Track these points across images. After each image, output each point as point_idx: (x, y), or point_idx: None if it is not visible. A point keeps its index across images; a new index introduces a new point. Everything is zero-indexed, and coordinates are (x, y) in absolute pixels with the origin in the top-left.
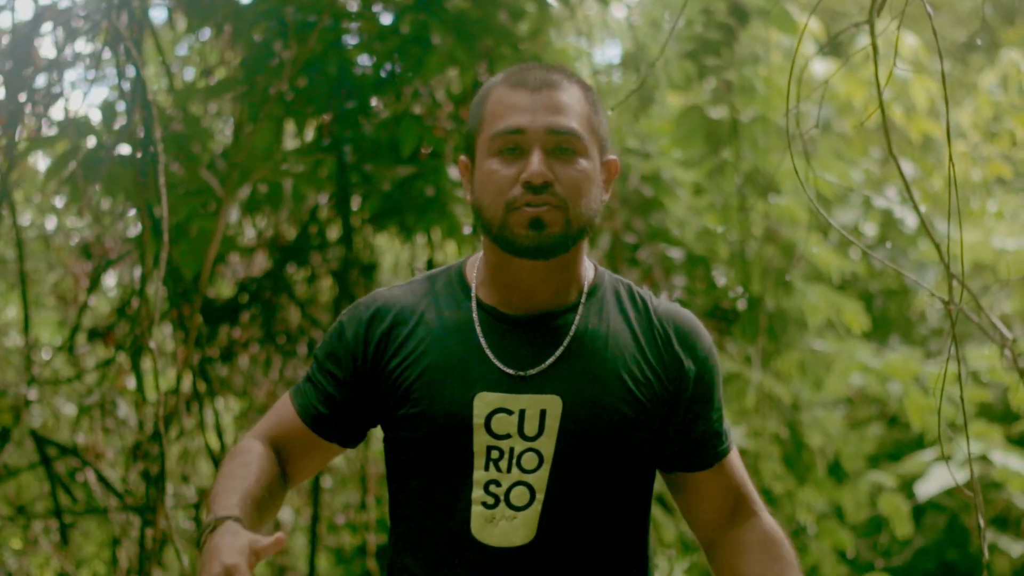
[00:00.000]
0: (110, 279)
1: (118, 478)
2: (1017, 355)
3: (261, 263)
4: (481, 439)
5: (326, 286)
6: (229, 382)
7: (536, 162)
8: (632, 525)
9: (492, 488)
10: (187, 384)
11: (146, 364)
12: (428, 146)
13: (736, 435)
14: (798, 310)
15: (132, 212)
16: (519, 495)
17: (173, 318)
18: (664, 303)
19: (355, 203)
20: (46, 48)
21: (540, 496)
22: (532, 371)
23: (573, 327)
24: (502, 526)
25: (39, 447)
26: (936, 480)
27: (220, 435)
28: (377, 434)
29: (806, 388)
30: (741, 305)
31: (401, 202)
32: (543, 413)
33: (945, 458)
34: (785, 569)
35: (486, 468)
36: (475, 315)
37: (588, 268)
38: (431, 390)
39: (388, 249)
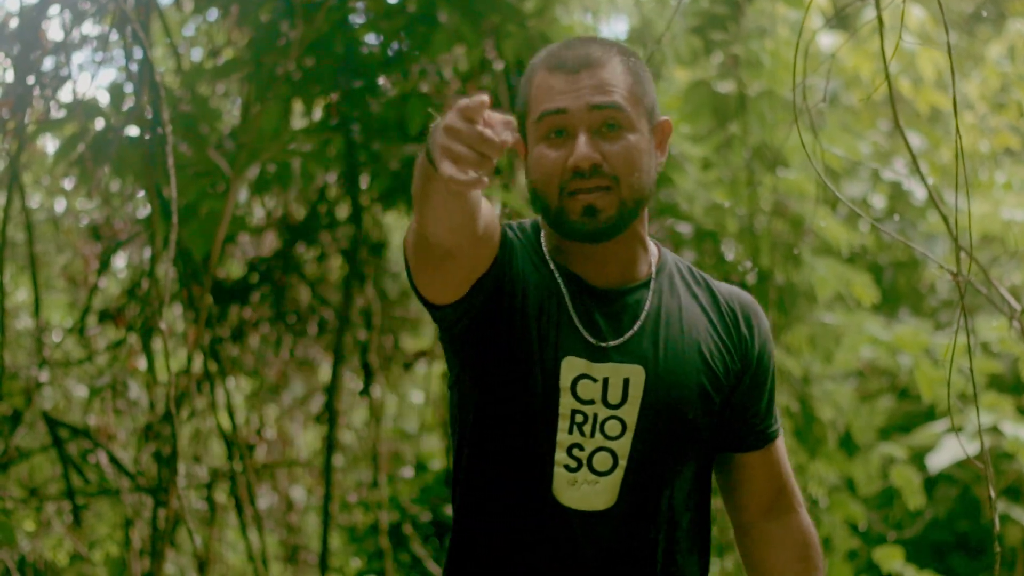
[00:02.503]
0: (120, 260)
1: (130, 459)
2: None
3: (270, 243)
4: (567, 401)
5: (336, 265)
6: (240, 362)
7: (582, 144)
8: (702, 497)
9: (575, 451)
10: (198, 364)
11: (157, 345)
12: (436, 124)
13: None
14: (807, 283)
15: (141, 193)
16: (602, 460)
17: (183, 299)
18: (724, 284)
19: (364, 182)
20: (53, 31)
21: (623, 463)
22: (613, 342)
23: (648, 302)
24: (584, 490)
25: (51, 429)
26: (947, 452)
27: (231, 415)
28: (389, 412)
29: (816, 361)
30: (750, 279)
31: (409, 180)
32: (626, 382)
33: (956, 430)
34: (812, 574)
35: (570, 431)
36: (559, 280)
37: (651, 245)
38: (527, 346)
39: (397, 227)
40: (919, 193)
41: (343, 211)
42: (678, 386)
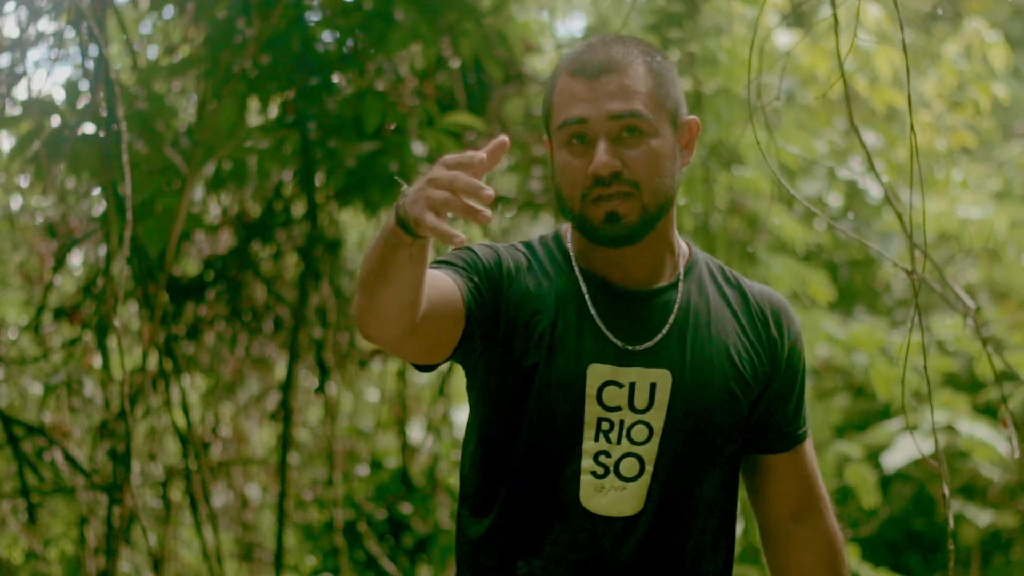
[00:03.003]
0: (75, 258)
1: (85, 457)
2: (981, 324)
3: (226, 240)
4: (592, 410)
5: (291, 263)
6: (195, 359)
7: (601, 152)
8: (728, 499)
9: (602, 459)
10: (153, 362)
11: (112, 342)
12: (392, 122)
13: None
14: (763, 281)
15: (96, 191)
16: (629, 466)
17: (139, 296)
18: (757, 284)
19: (319, 179)
20: (9, 27)
21: (649, 468)
22: (641, 346)
23: (676, 304)
24: (611, 496)
25: (6, 427)
26: (902, 450)
27: (187, 413)
28: (344, 411)
29: None
30: None
31: (365, 178)
32: (653, 387)
33: (911, 428)
34: None
35: (596, 439)
36: (583, 285)
37: (682, 244)
38: (547, 355)
39: (353, 225)
40: (875, 191)
41: (299, 209)
42: (705, 390)
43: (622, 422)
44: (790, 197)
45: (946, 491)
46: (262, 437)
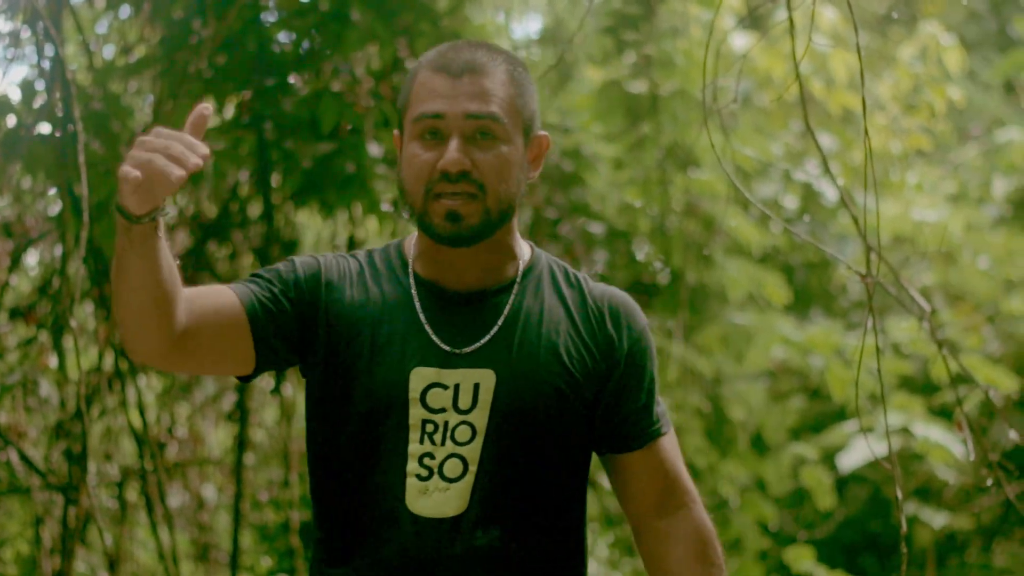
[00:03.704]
0: (31, 258)
1: (41, 457)
2: (936, 327)
3: (182, 241)
4: (417, 413)
5: (248, 263)
6: None
7: (453, 149)
8: (565, 501)
9: (426, 460)
10: (109, 362)
11: (68, 343)
12: (348, 123)
13: None
14: (719, 284)
15: (52, 191)
16: (452, 467)
17: (95, 296)
18: (600, 285)
19: (276, 180)
20: None
21: (473, 468)
22: (468, 348)
23: (508, 305)
24: (435, 497)
25: None
26: (857, 453)
27: (142, 413)
28: (300, 411)
29: (728, 361)
30: (662, 279)
31: (322, 179)
32: (476, 387)
33: (866, 430)
34: (713, 572)
35: (421, 441)
36: (414, 291)
37: (525, 248)
38: (370, 363)
39: (309, 226)
40: (830, 194)
41: (255, 209)
42: (530, 389)
43: (446, 423)
44: (746, 199)
45: (899, 493)
46: (218, 438)
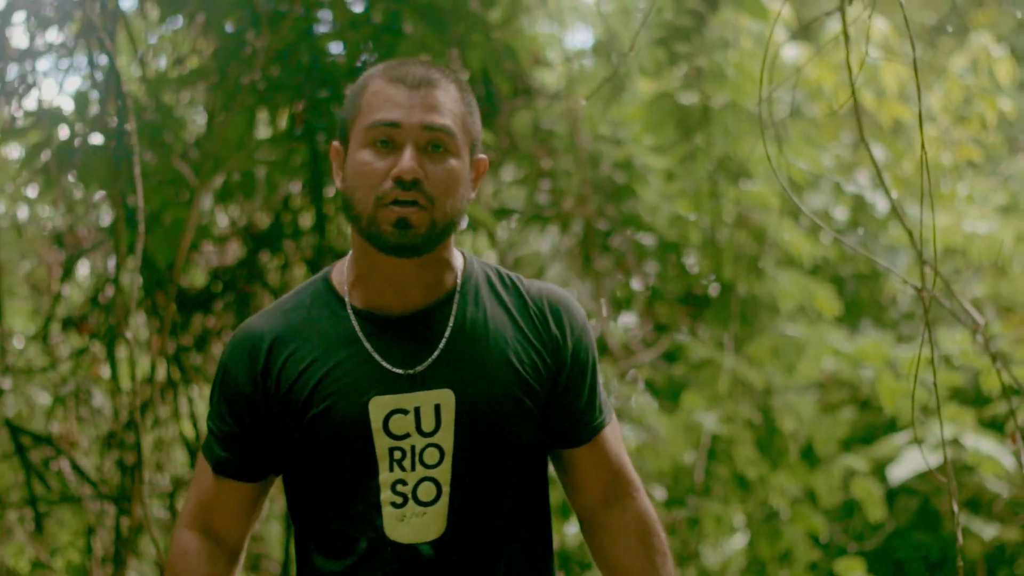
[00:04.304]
0: (83, 268)
1: (92, 467)
2: (988, 339)
3: (234, 251)
4: (382, 442)
5: (299, 274)
6: (203, 370)
7: (408, 158)
8: (535, 503)
9: (399, 487)
10: (161, 372)
11: (121, 353)
12: None
13: (709, 421)
14: (770, 295)
15: (104, 200)
16: (426, 491)
17: (147, 307)
18: (536, 283)
19: (328, 191)
20: (18, 38)
21: (446, 489)
22: (420, 367)
23: (451, 319)
24: (413, 523)
25: (13, 436)
26: (908, 464)
27: (195, 423)
28: None
29: (778, 373)
30: (713, 291)
31: None
32: (437, 408)
33: (918, 442)
34: (657, 560)
35: (391, 469)
36: (355, 322)
37: (457, 258)
38: (326, 403)
39: None
40: (881, 205)
41: (307, 220)
42: (489, 401)
43: (413, 448)
44: (797, 211)
45: (955, 506)
46: None
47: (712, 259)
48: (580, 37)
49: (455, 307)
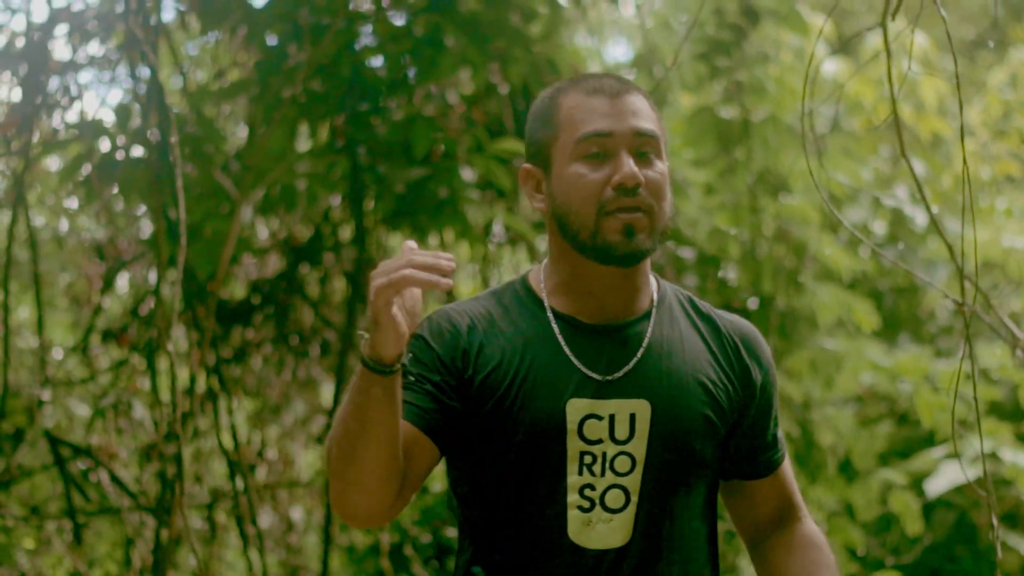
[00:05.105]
0: (123, 280)
1: (131, 478)
2: None
3: (274, 264)
4: (575, 445)
5: (339, 287)
6: (243, 382)
7: (630, 164)
8: (710, 522)
9: (587, 492)
10: (201, 385)
11: (161, 365)
12: (441, 147)
13: None
14: (809, 309)
15: (144, 212)
16: (614, 498)
17: (187, 319)
18: (727, 313)
19: (368, 204)
20: (60, 50)
21: (634, 498)
22: (617, 375)
23: (648, 334)
24: (599, 529)
25: (53, 448)
26: (946, 477)
27: (234, 435)
28: None
29: (817, 386)
30: (752, 304)
31: (414, 203)
32: (632, 417)
33: (956, 456)
34: (825, 574)
35: (580, 473)
36: (554, 325)
37: (652, 278)
38: (523, 399)
39: (401, 250)
40: (920, 219)
41: (347, 233)
42: (684, 417)
43: (604, 454)
44: (836, 224)
45: (994, 520)
46: (308, 460)
47: (751, 273)
48: (620, 50)
49: (652, 323)
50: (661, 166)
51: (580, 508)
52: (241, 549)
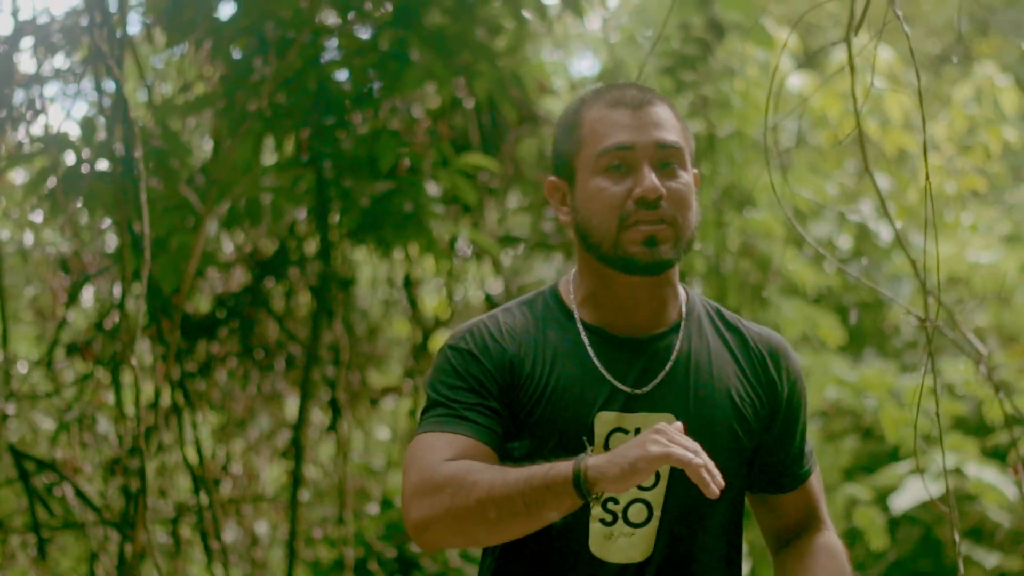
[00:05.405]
0: (88, 294)
1: (96, 493)
2: (991, 369)
3: (239, 278)
4: None
5: (304, 301)
6: (207, 396)
7: (651, 177)
8: (734, 537)
9: (610, 505)
10: (166, 399)
11: (126, 379)
12: (406, 161)
13: None
14: (774, 324)
15: (109, 225)
16: (637, 512)
17: (152, 333)
18: (756, 325)
19: (333, 218)
20: (25, 63)
21: (657, 513)
22: (645, 388)
23: (676, 347)
24: (621, 543)
25: (17, 462)
26: (910, 493)
27: (199, 449)
28: (355, 448)
29: None
30: None
31: (379, 217)
32: None
33: (920, 471)
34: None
35: None
36: (584, 336)
37: (680, 289)
38: (554, 412)
39: (366, 264)
40: (885, 234)
41: (312, 247)
42: (709, 432)
43: None
44: (802, 239)
45: (956, 536)
46: (272, 474)
47: (717, 287)
48: (585, 64)
49: (680, 336)
50: (685, 177)
51: (602, 521)
52: (205, 564)
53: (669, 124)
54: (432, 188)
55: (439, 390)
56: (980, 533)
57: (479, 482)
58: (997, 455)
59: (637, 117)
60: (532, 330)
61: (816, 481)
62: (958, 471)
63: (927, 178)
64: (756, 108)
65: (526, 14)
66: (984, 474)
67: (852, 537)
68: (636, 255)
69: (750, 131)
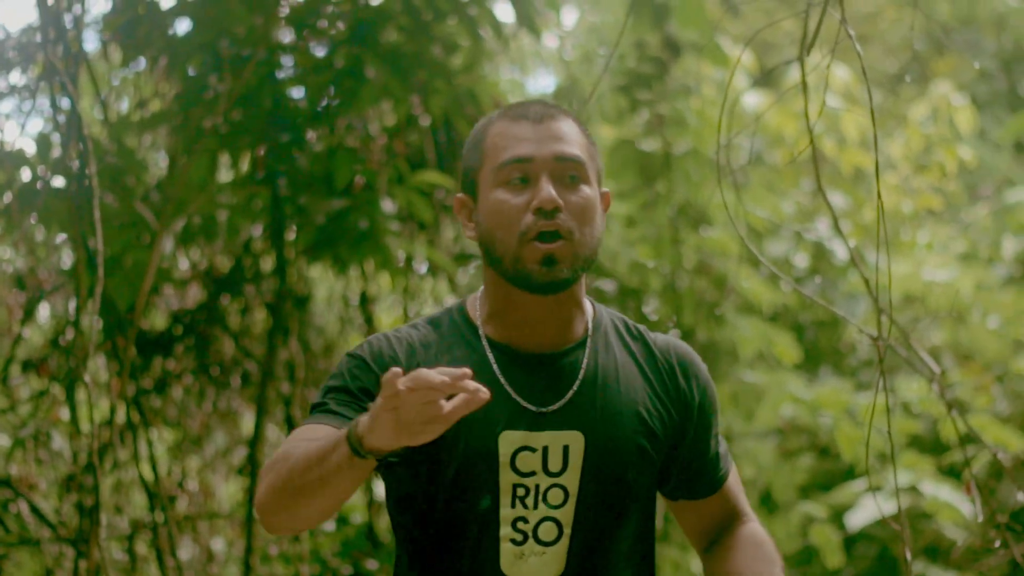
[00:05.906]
0: (44, 310)
1: (51, 509)
2: (945, 387)
3: (195, 295)
4: (507, 478)
5: (260, 318)
6: (163, 413)
7: (548, 188)
8: (645, 545)
9: (520, 525)
10: (121, 415)
11: (80, 395)
12: (362, 179)
13: None
14: (729, 342)
15: (65, 242)
16: (547, 531)
17: (107, 350)
18: (661, 336)
19: (289, 235)
20: None
21: (567, 530)
22: (552, 407)
23: (584, 364)
24: (532, 562)
25: None
26: (866, 511)
27: (154, 466)
28: None
29: (738, 419)
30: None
31: (335, 234)
32: (566, 449)
33: (874, 489)
34: (770, 568)
35: (512, 506)
36: (489, 354)
37: (586, 304)
38: (456, 431)
39: (322, 281)
40: (841, 252)
41: (268, 264)
42: (617, 449)
43: (537, 487)
44: (756, 258)
45: (908, 554)
46: (228, 491)
47: (672, 305)
48: (542, 82)
49: (587, 352)
50: (588, 191)
51: (513, 541)
52: None
53: (571, 138)
54: (388, 205)
55: (323, 391)
56: (936, 551)
57: (292, 453)
58: (953, 473)
59: (538, 130)
60: (436, 346)
61: (734, 480)
62: (914, 489)
63: (879, 196)
64: (712, 126)
65: (482, 32)
66: (940, 492)
67: (808, 555)
68: (534, 273)
69: (706, 149)
